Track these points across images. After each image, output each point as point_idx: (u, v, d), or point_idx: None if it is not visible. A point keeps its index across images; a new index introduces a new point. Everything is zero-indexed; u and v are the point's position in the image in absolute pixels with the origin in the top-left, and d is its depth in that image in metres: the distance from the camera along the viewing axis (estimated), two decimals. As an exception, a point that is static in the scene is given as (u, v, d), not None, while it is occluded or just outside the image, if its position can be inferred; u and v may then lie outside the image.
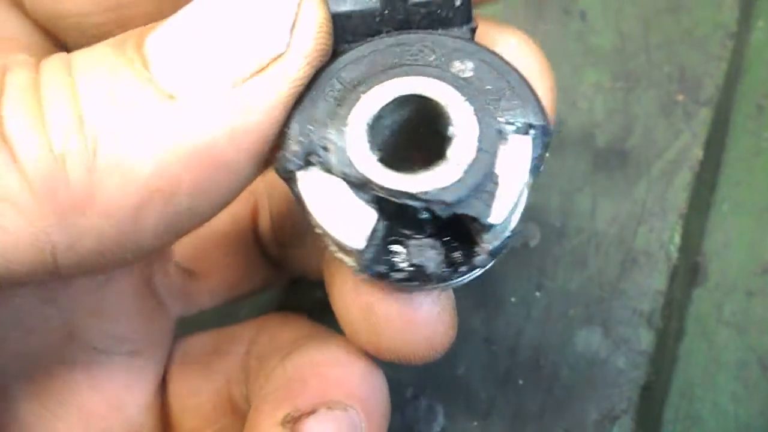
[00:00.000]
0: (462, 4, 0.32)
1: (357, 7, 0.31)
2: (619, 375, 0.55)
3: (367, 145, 0.29)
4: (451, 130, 0.29)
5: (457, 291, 0.60)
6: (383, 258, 0.31)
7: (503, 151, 0.30)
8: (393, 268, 0.31)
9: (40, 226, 0.28)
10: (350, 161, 0.29)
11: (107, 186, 0.28)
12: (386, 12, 0.32)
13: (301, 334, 0.42)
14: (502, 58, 0.32)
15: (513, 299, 0.59)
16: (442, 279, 0.31)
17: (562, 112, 0.65)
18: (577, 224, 0.61)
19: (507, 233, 0.31)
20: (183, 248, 0.47)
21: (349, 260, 0.31)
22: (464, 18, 0.33)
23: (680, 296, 0.61)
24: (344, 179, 0.29)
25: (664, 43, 0.66)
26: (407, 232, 0.32)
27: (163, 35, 0.30)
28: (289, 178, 0.30)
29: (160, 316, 0.46)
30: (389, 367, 0.58)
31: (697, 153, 0.62)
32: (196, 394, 0.44)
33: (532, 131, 0.30)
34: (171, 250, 0.47)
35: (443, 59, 0.31)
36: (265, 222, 0.48)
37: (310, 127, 0.30)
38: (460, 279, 0.32)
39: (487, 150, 0.29)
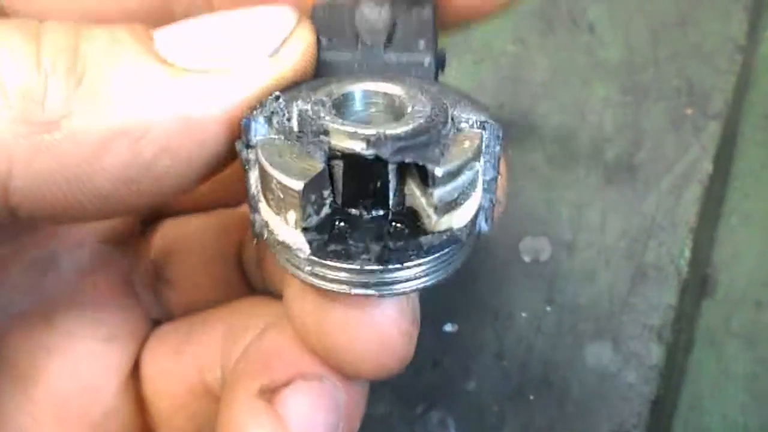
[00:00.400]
0: (429, 64, 0.36)
1: (337, 58, 0.35)
2: (630, 390, 0.56)
3: (331, 111, 0.32)
4: (408, 110, 0.32)
5: (468, 306, 0.60)
6: (328, 234, 0.31)
7: (456, 136, 0.32)
8: (336, 240, 0.31)
9: (4, 131, 0.29)
10: (310, 117, 0.31)
11: (80, 113, 0.30)
12: (365, 64, 0.36)
13: (274, 314, 0.42)
14: (464, 92, 0.35)
15: (523, 314, 0.59)
16: (383, 259, 0.31)
17: (572, 126, 0.66)
18: (587, 238, 0.61)
19: (455, 224, 0.32)
20: (161, 252, 0.48)
21: (295, 240, 0.31)
22: (433, 77, 0.36)
23: (689, 308, 0.61)
24: (299, 136, 0.31)
25: (672, 57, 0.66)
26: (354, 212, 0.32)
27: (170, 28, 0.33)
28: (249, 146, 0.32)
29: (137, 306, 0.47)
30: (400, 381, 0.59)
31: (707, 167, 0.62)
32: (169, 379, 0.45)
33: (484, 127, 0.32)
34: (148, 247, 0.48)
35: (409, 81, 0.35)
36: (251, 250, 0.48)
37: (280, 100, 0.32)
38: (409, 271, 0.32)
39: (439, 120, 0.31)
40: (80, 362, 0.43)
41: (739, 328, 0.62)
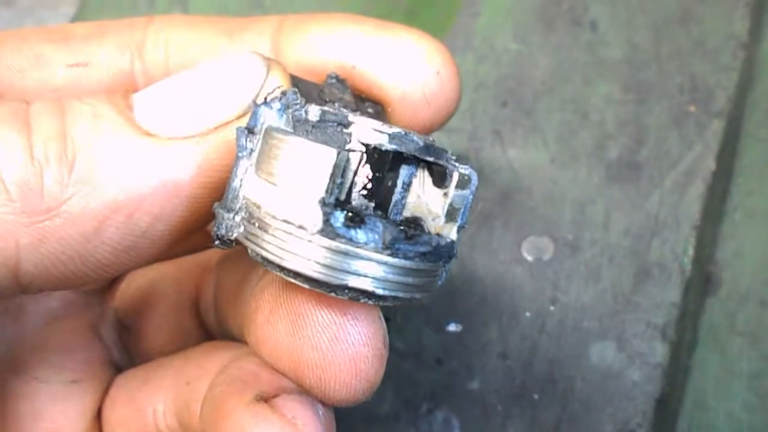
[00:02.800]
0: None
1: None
2: (634, 388, 0.56)
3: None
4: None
5: (472, 306, 0.60)
6: (342, 214, 0.31)
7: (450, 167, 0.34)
8: (350, 221, 0.31)
9: (9, 223, 0.32)
10: (333, 111, 0.32)
11: (77, 197, 0.32)
12: None
13: (230, 356, 0.43)
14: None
15: (527, 313, 0.59)
16: (394, 247, 0.31)
17: (574, 124, 0.65)
18: (590, 237, 0.61)
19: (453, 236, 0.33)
20: (123, 303, 0.50)
21: (306, 214, 0.31)
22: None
23: (693, 306, 0.61)
24: (316, 126, 0.32)
25: (675, 54, 0.66)
26: (359, 205, 0.33)
27: (147, 91, 0.35)
28: (251, 132, 0.33)
29: (101, 352, 0.48)
30: (405, 380, 0.58)
31: (710, 164, 0.62)
32: (125, 425, 0.46)
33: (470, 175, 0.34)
34: (112, 297, 0.50)
35: None
36: (208, 295, 0.49)
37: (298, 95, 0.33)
38: (406, 273, 0.32)
39: (438, 146, 0.33)
40: (46, 406, 0.44)
41: (743, 326, 0.61)
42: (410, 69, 0.39)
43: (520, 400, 0.56)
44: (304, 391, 0.37)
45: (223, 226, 0.33)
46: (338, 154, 0.30)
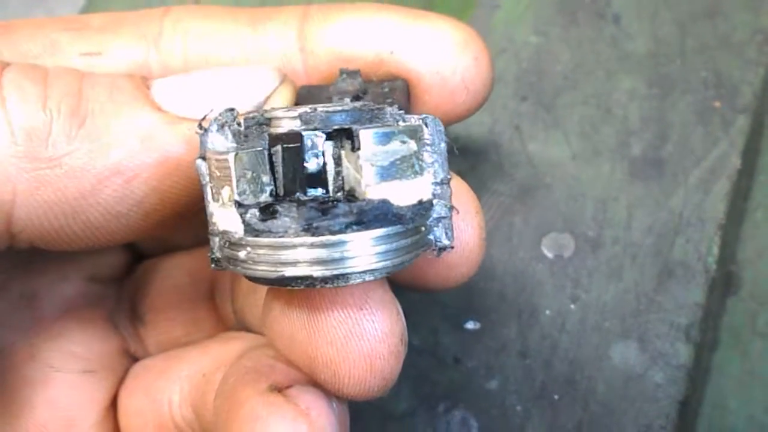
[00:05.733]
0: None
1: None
2: (657, 390, 0.54)
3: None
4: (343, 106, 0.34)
5: (490, 303, 0.59)
6: (261, 214, 0.32)
7: (396, 122, 0.33)
8: (268, 217, 0.31)
9: (11, 165, 0.32)
10: (254, 116, 0.33)
11: (81, 152, 0.33)
12: None
13: (246, 347, 0.43)
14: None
15: (548, 312, 0.58)
16: (312, 227, 0.31)
17: (596, 120, 0.64)
18: (612, 234, 0.60)
19: (393, 198, 0.32)
20: (138, 292, 0.50)
21: (231, 222, 0.32)
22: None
23: (714, 307, 0.60)
24: (246, 135, 0.33)
25: (700, 49, 0.65)
26: (294, 197, 0.32)
27: (166, 78, 0.37)
28: (203, 158, 0.33)
29: (117, 342, 0.48)
30: (422, 378, 0.57)
31: (735, 161, 0.61)
32: (141, 415, 0.46)
33: (425, 121, 0.33)
34: (127, 287, 0.50)
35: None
36: (224, 286, 0.49)
37: (234, 111, 0.34)
38: (348, 246, 0.31)
39: (372, 108, 0.33)
40: (60, 394, 0.45)
41: (765, 327, 0.60)
42: (449, 55, 0.39)
43: (540, 401, 0.55)
44: (319, 385, 0.36)
45: (214, 249, 0.34)
46: (235, 155, 0.31)
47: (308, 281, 0.31)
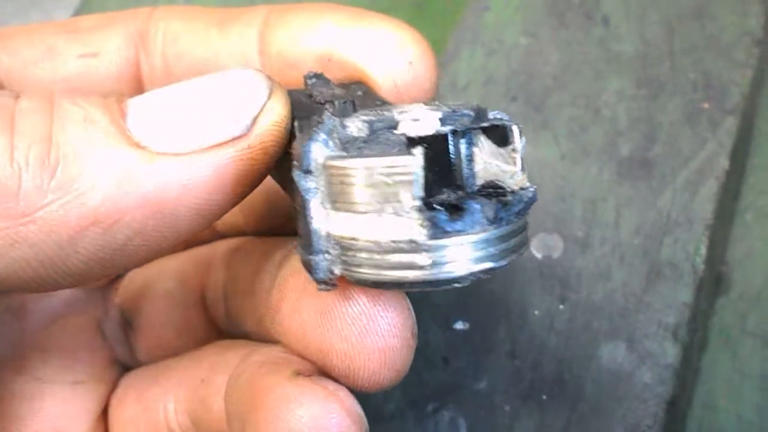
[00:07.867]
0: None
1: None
2: (645, 390, 0.54)
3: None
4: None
5: (479, 304, 0.59)
6: (440, 212, 0.31)
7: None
8: (451, 214, 0.31)
9: None
10: (376, 118, 0.32)
11: (55, 204, 0.31)
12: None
13: (242, 355, 0.42)
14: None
15: (536, 312, 0.58)
16: (498, 218, 0.31)
17: (585, 120, 0.64)
18: (600, 235, 0.60)
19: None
20: (127, 299, 0.49)
21: (408, 228, 0.31)
22: None
23: (704, 307, 0.60)
24: (367, 141, 0.31)
25: (688, 50, 0.65)
26: (440, 198, 0.32)
27: (143, 99, 0.34)
28: (308, 172, 0.32)
29: (106, 352, 0.48)
30: (411, 379, 0.57)
31: (723, 162, 0.61)
32: (134, 424, 0.45)
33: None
34: (116, 294, 0.49)
35: None
36: (214, 288, 0.48)
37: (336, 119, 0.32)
38: (511, 236, 0.32)
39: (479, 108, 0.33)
40: (49, 406, 0.44)
41: (755, 327, 0.60)
42: (382, 58, 0.38)
43: (529, 401, 0.55)
44: (332, 378, 0.36)
45: (320, 270, 0.32)
46: (414, 158, 0.29)
47: (485, 274, 0.31)
